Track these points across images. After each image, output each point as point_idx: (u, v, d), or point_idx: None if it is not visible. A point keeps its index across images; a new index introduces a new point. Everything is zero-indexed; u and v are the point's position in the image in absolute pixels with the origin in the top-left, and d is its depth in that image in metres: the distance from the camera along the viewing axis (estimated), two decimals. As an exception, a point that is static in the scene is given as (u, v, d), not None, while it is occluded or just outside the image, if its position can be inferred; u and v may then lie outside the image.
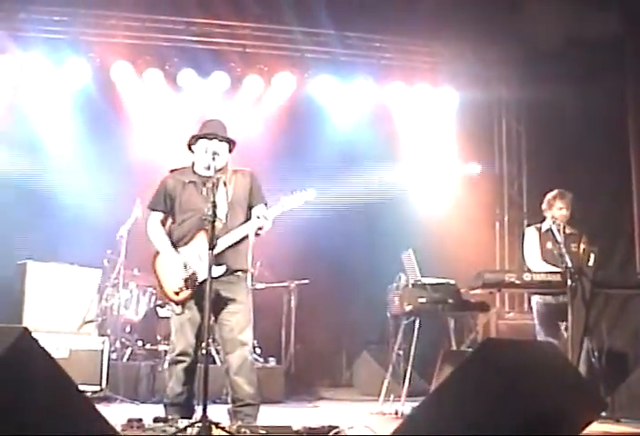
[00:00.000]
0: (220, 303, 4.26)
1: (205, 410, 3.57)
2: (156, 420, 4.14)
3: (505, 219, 9.11)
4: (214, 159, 4.26)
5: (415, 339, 5.56)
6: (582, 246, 5.74)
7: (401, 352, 5.98)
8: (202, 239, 4.23)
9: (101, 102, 8.21)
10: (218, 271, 4.16)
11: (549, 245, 5.75)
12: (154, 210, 4.54)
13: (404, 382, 5.60)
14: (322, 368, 8.49)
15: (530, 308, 6.06)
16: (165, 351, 6.17)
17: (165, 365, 4.91)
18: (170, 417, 4.19)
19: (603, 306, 5.59)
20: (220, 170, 4.37)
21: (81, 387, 3.05)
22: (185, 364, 4.30)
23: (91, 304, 6.90)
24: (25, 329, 2.80)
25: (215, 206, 3.89)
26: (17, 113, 8.09)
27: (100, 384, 6.07)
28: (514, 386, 2.86)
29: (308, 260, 8.08)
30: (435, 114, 9.08)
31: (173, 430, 3.82)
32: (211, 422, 3.59)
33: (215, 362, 6.39)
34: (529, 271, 5.67)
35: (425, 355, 5.83)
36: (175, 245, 4.37)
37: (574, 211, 5.86)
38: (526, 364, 3.06)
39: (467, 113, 8.94)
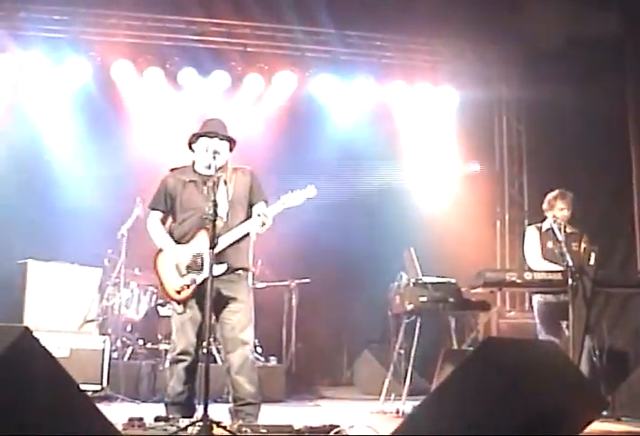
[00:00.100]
0: (221, 302, 4.26)
1: (205, 409, 3.57)
2: (157, 419, 4.15)
3: (506, 218, 9.09)
4: (214, 158, 4.26)
5: (415, 338, 5.56)
6: (583, 245, 5.75)
7: (402, 351, 5.97)
8: (203, 238, 4.23)
9: (101, 101, 8.20)
10: (219, 269, 4.16)
11: (550, 244, 5.75)
12: (154, 209, 4.54)
13: (404, 381, 5.61)
14: (323, 367, 8.50)
15: (531, 307, 6.06)
16: (166, 351, 6.16)
17: (166, 364, 4.90)
18: (171, 416, 4.20)
19: (604, 305, 5.60)
20: (220, 168, 4.37)
21: (82, 386, 3.04)
22: (186, 363, 4.31)
23: (92, 303, 6.92)
24: (26, 328, 2.79)
25: (215, 205, 3.89)
26: (17, 112, 8.07)
27: (101, 383, 6.08)
28: (515, 385, 2.86)
29: (309, 258, 8.07)
30: (436, 113, 9.08)
31: (174, 429, 3.82)
32: (212, 421, 3.59)
33: (215, 361, 6.38)
34: (530, 270, 5.66)
35: (425, 354, 5.83)
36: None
37: (574, 210, 5.86)
38: (527, 363, 3.06)
39: (467, 112, 8.94)
